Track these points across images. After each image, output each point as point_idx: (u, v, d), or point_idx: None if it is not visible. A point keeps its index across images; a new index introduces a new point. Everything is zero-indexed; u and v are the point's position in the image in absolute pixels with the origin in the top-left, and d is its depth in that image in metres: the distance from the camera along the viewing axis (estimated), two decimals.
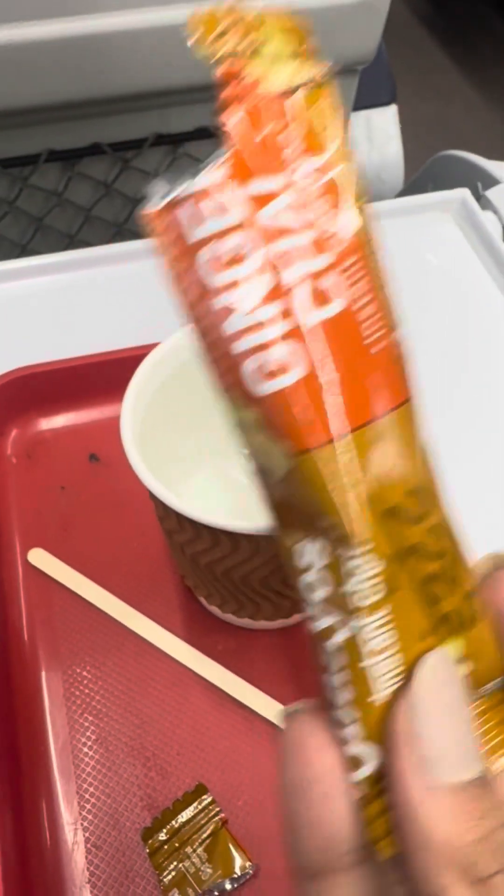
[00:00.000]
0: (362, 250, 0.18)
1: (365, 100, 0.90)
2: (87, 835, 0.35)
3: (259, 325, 0.18)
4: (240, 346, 0.18)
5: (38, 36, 0.66)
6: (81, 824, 0.35)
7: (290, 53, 0.19)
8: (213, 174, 0.18)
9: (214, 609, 0.40)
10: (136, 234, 0.86)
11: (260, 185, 0.18)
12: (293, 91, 0.19)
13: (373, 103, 0.93)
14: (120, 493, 0.45)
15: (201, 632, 0.40)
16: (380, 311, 0.18)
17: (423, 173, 0.74)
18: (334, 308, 0.18)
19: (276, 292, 0.18)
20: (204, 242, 0.18)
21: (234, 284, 0.18)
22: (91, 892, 0.34)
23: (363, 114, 0.94)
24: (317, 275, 0.18)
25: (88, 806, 0.36)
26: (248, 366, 0.18)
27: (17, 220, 0.80)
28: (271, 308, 0.18)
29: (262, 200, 0.18)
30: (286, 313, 0.18)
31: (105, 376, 0.48)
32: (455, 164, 0.67)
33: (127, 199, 0.82)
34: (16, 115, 0.69)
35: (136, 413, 0.34)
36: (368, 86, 0.87)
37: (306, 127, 0.19)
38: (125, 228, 0.85)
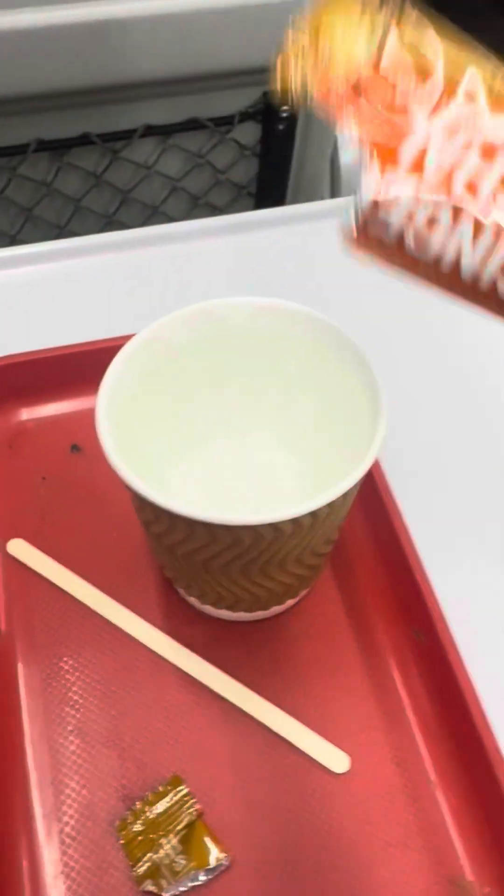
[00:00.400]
0: None
1: None
2: (61, 825, 0.35)
3: (489, 252, 0.19)
4: (487, 277, 0.19)
5: (27, 24, 0.65)
6: (56, 815, 0.35)
7: (352, 24, 0.21)
8: (369, 179, 0.20)
9: (193, 600, 0.40)
10: (124, 226, 0.86)
11: (409, 150, 0.20)
12: (378, 51, 0.21)
13: None
14: (101, 484, 0.45)
15: (180, 623, 0.40)
16: None
17: None
18: None
19: (481, 221, 0.19)
20: (402, 232, 0.20)
21: (445, 241, 0.20)
22: (65, 882, 0.34)
23: None
24: None
25: (63, 797, 0.36)
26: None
27: (6, 210, 0.79)
28: (488, 234, 0.19)
29: (420, 160, 0.19)
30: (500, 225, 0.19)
31: (87, 366, 0.47)
32: None
33: (116, 191, 0.82)
34: (5, 103, 0.69)
35: (114, 403, 0.33)
36: None
37: (408, 69, 0.20)
38: (114, 220, 0.85)
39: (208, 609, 0.39)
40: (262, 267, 0.58)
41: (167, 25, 0.68)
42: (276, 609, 0.40)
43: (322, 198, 0.83)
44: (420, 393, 0.51)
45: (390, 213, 0.20)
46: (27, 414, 0.48)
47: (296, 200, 0.87)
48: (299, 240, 0.59)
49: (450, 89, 0.20)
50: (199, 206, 0.87)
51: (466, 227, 0.19)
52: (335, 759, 0.37)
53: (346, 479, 0.30)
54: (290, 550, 0.33)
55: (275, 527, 0.30)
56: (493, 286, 0.19)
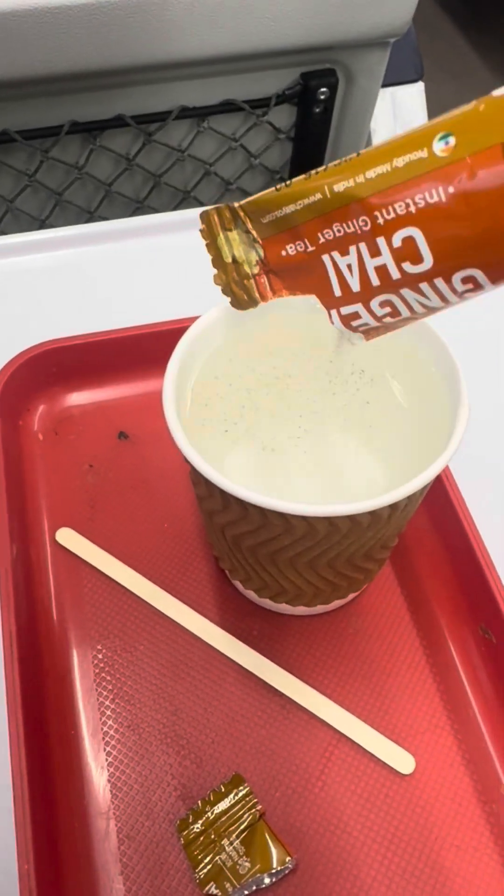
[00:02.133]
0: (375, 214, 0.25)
1: (392, 76, 0.88)
2: (118, 824, 0.34)
3: (437, 289, 0.25)
4: (452, 300, 0.25)
5: (62, 1, 0.63)
6: (113, 813, 0.34)
7: (233, 240, 0.29)
8: (331, 317, 0.28)
9: (250, 594, 0.38)
10: (155, 210, 0.84)
11: (335, 285, 0.27)
12: (262, 245, 0.29)
13: (400, 80, 0.91)
14: (150, 473, 0.44)
15: (235, 616, 0.39)
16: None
17: None
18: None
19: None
20: (379, 319, 0.27)
21: (408, 304, 0.26)
22: (124, 884, 0.32)
23: (389, 90, 0.92)
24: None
25: (121, 795, 0.34)
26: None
27: (37, 193, 0.78)
28: (426, 286, 0.25)
29: (343, 283, 0.27)
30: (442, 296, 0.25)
31: (134, 352, 0.46)
32: None
33: (148, 175, 0.80)
34: (40, 83, 0.67)
35: (179, 388, 0.32)
36: (397, 63, 0.84)
37: (283, 241, 0.28)
38: (145, 205, 0.83)
39: (267, 603, 0.38)
40: None
41: (206, 4, 0.66)
42: (337, 603, 0.38)
43: None
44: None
45: (360, 319, 0.27)
46: (72, 400, 0.46)
47: None
48: None
49: (317, 230, 0.26)
50: (231, 192, 0.85)
51: (408, 291, 0.25)
52: (400, 760, 0.35)
53: (429, 470, 0.29)
54: (364, 544, 0.31)
55: (353, 519, 0.29)
56: (459, 296, 0.24)
